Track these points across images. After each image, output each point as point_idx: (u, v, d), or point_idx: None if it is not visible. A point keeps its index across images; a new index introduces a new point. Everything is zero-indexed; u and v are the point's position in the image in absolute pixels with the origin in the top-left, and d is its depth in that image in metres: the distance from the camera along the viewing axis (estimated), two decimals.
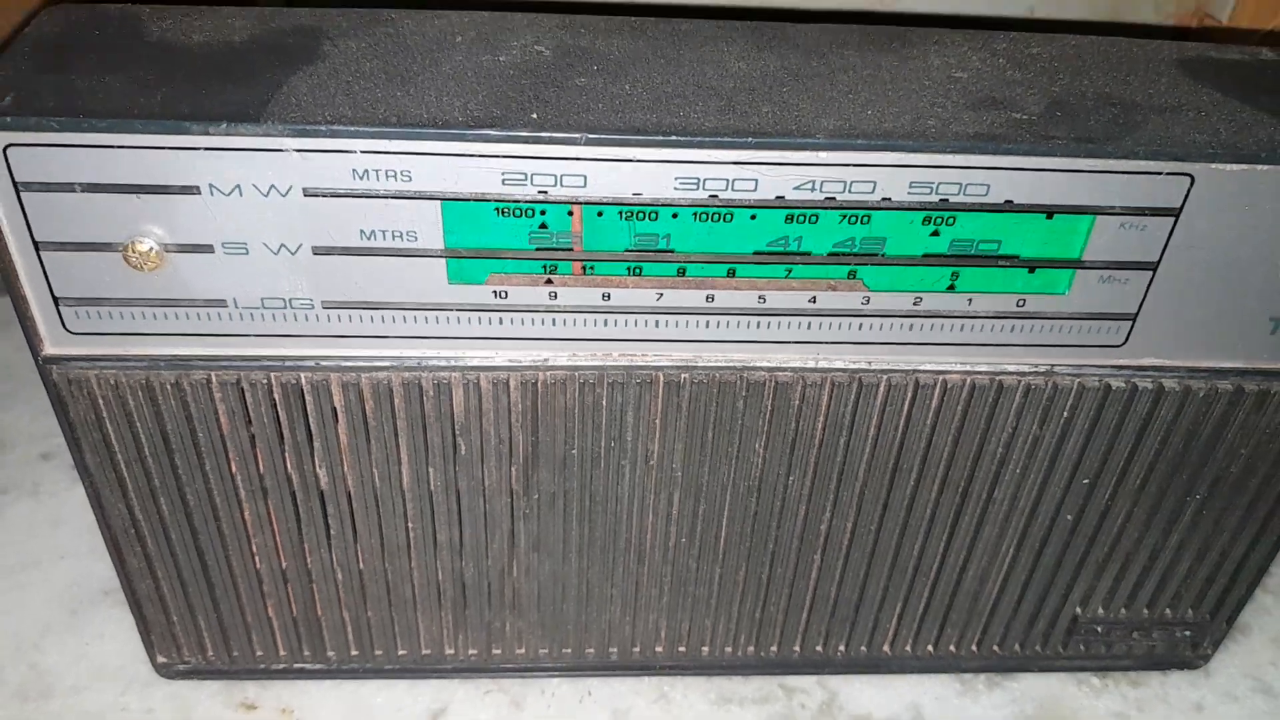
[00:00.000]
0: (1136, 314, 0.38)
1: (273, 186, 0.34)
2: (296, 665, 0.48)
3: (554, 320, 0.38)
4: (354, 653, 0.48)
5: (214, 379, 0.38)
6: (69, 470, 0.60)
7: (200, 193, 0.34)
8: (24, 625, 0.52)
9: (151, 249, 0.35)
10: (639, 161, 0.34)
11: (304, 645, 0.48)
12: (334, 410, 0.39)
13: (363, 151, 0.33)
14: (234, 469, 0.41)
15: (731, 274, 0.37)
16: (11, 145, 0.33)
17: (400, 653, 0.48)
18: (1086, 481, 0.43)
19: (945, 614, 0.48)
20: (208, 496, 0.42)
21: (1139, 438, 0.42)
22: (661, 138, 0.33)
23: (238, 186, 0.34)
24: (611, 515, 0.43)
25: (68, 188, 0.34)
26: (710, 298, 0.37)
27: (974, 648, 0.50)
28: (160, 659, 0.48)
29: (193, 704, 0.49)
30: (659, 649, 0.49)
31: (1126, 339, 0.39)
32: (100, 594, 0.54)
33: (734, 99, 0.35)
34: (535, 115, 0.34)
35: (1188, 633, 0.50)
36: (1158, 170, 0.35)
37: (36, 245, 0.35)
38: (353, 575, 0.45)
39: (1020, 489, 0.43)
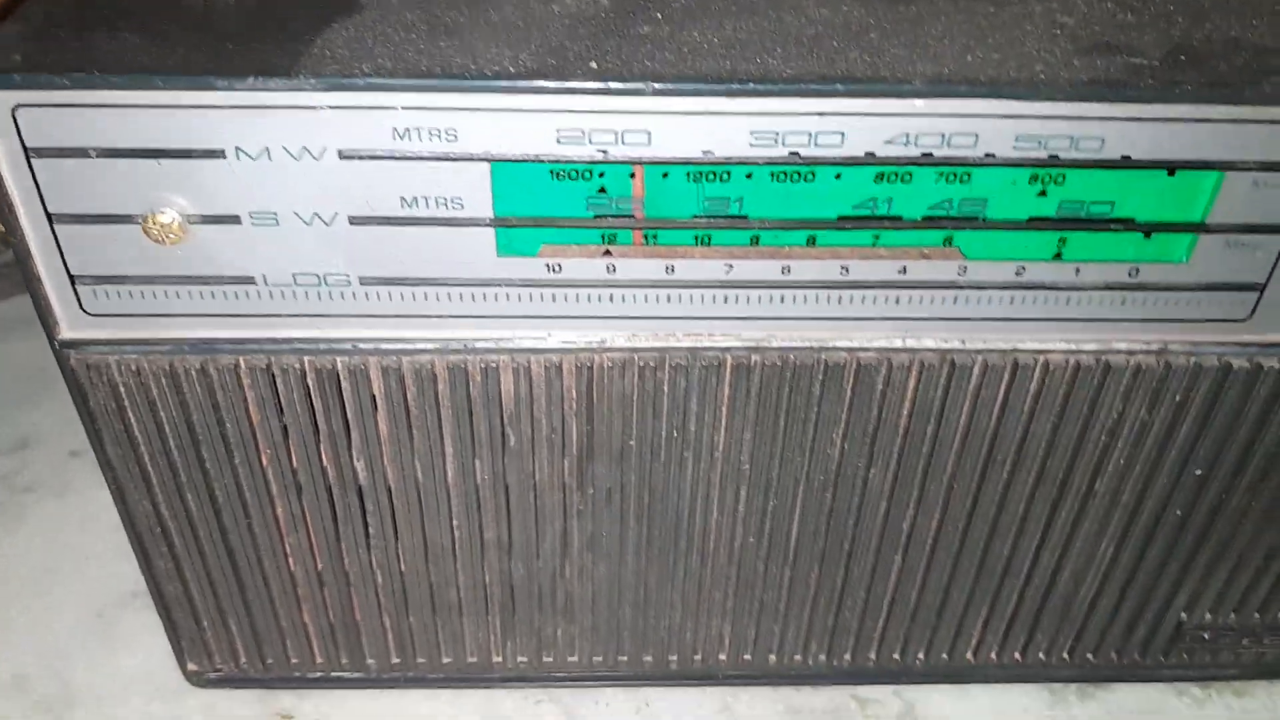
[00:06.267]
0: (1265, 284, 0.34)
1: (305, 149, 0.31)
2: (334, 674, 0.45)
3: (612, 296, 0.34)
4: (395, 661, 0.45)
5: (242, 364, 0.35)
6: (98, 468, 0.58)
7: (225, 157, 0.31)
8: (48, 631, 0.50)
9: (173, 220, 0.32)
10: (710, 114, 0.30)
11: (342, 653, 0.44)
12: (373, 398, 0.36)
13: (403, 108, 0.30)
14: (265, 462, 0.38)
15: (811, 242, 0.33)
16: (21, 106, 0.30)
17: (445, 661, 0.45)
18: (1199, 473, 0.39)
19: (1035, 620, 0.44)
20: (237, 492, 0.38)
21: (1260, 424, 0.38)
22: (738, 85, 0.30)
23: (266, 149, 0.31)
24: (673, 512, 0.40)
25: (82, 153, 0.31)
26: (786, 269, 0.34)
27: (1065, 655, 0.46)
28: (191, 666, 0.45)
29: (225, 714, 0.46)
30: (722, 657, 0.45)
31: (1252, 312, 0.35)
32: (129, 596, 0.51)
33: (817, 45, 0.32)
34: (594, 64, 0.30)
35: None
36: None
37: (50, 218, 0.32)
38: (393, 577, 0.42)
39: (1124, 481, 0.39)
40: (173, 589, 0.42)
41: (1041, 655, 0.46)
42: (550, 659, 0.45)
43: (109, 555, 0.53)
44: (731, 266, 0.34)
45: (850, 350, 0.36)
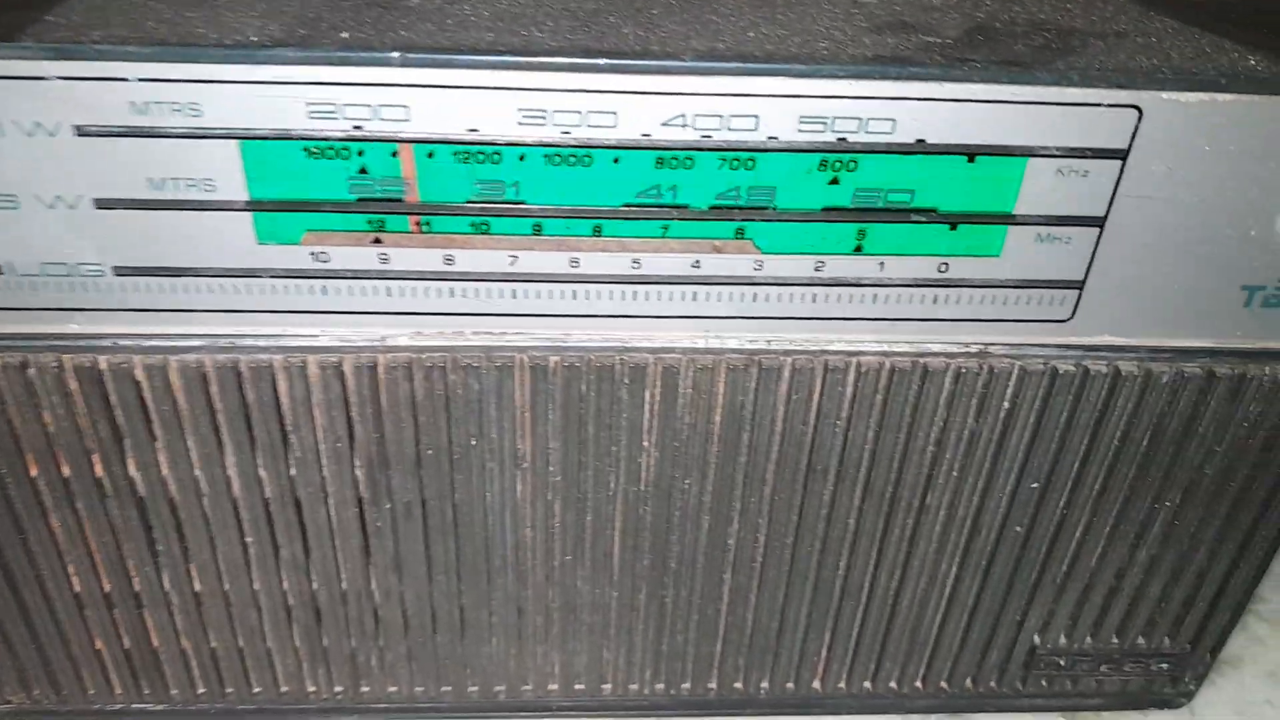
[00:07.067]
0: (1084, 281, 0.32)
1: (37, 123, 0.29)
2: (135, 706, 0.42)
3: (389, 289, 0.32)
4: (201, 691, 0.42)
5: None
6: None
7: None
8: None
9: None
10: (471, 89, 0.28)
11: (142, 682, 0.41)
12: (141, 399, 0.33)
13: (139, 79, 0.28)
14: (33, 471, 0.35)
15: (597, 232, 0.31)
16: None
17: (255, 691, 0.42)
18: (1036, 486, 0.37)
19: (882, 644, 0.42)
20: (5, 504, 0.36)
21: (1094, 433, 0.36)
22: (493, 58, 0.28)
23: None
24: (481, 528, 0.37)
25: None
26: (574, 261, 0.32)
27: (918, 684, 0.43)
28: None
29: None
30: (553, 687, 0.42)
31: (1074, 312, 0.33)
32: None
33: (592, 20, 0.30)
34: (345, 34, 0.28)
35: (1165, 666, 0.43)
36: (1098, 101, 0.29)
37: None
38: (187, 598, 0.39)
39: (958, 495, 0.37)
40: None
41: (893, 684, 0.43)
42: (369, 689, 0.42)
43: None
44: (515, 258, 0.31)
45: (652, 351, 0.33)
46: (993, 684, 0.43)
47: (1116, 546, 0.39)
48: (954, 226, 0.31)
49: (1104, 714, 0.46)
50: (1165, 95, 0.29)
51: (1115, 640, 0.42)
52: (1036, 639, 0.42)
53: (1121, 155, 0.30)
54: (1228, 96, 0.29)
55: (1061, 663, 0.43)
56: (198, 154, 0.29)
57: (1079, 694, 0.44)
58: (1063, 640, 0.42)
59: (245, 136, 0.29)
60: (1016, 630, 0.42)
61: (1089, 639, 0.42)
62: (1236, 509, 0.38)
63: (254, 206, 0.30)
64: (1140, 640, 0.42)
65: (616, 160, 0.30)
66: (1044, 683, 0.43)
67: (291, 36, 0.28)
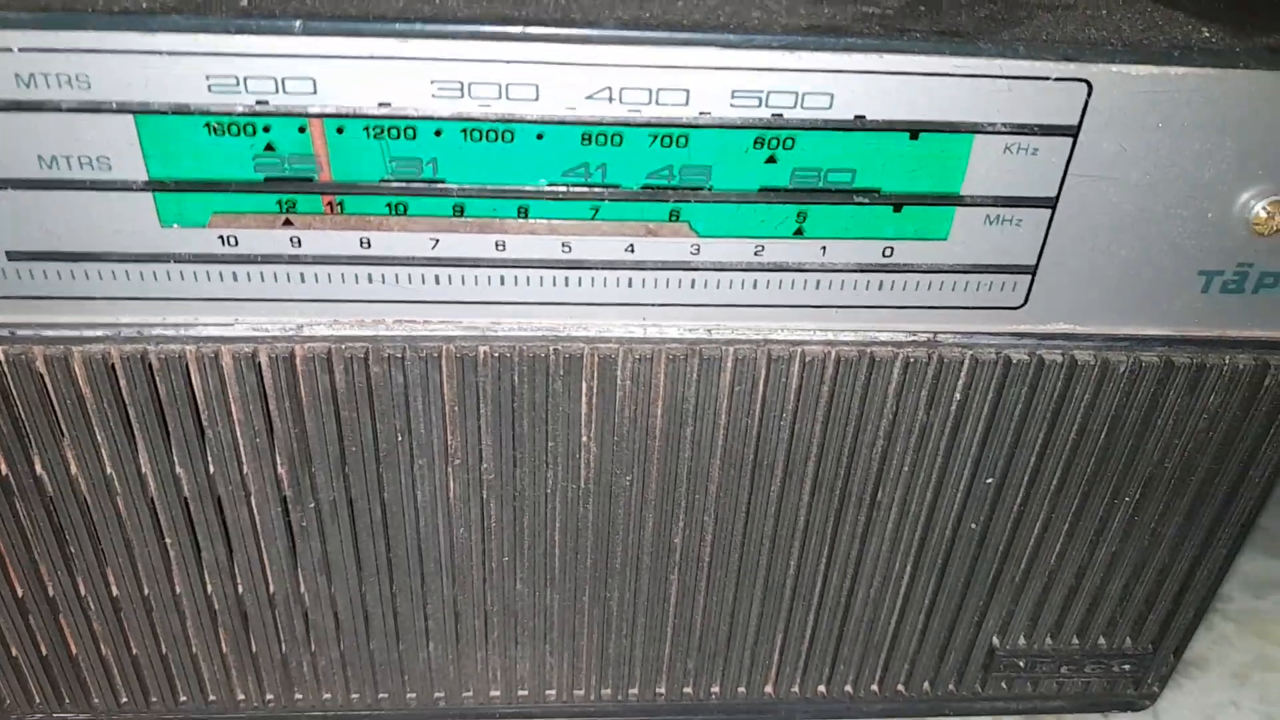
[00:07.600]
0: (1036, 266, 0.31)
1: None
2: (57, 716, 0.40)
3: (303, 275, 0.30)
4: (123, 700, 0.40)
5: None
6: None
7: None
8: None
9: None
10: (382, 59, 0.27)
11: (63, 692, 0.39)
12: (44, 393, 0.32)
13: (22, 49, 0.26)
14: None
15: (523, 214, 0.29)
16: None
17: (181, 700, 0.40)
18: (991, 480, 0.35)
19: (836, 646, 0.40)
20: None
21: (1050, 425, 0.34)
22: (404, 25, 0.26)
23: None
24: (412, 528, 0.35)
25: None
26: (500, 245, 0.30)
27: (874, 688, 0.42)
28: None
29: None
30: (495, 693, 0.41)
31: (1026, 299, 0.32)
32: None
33: None
34: (245, 2, 0.26)
35: (1127, 667, 0.42)
36: (1045, 74, 0.28)
37: None
38: (105, 603, 0.37)
39: (910, 490, 0.36)
40: None
41: (849, 688, 0.42)
42: (302, 696, 0.40)
43: None
44: (437, 241, 0.30)
45: (587, 340, 0.32)
46: (951, 687, 0.42)
47: (1075, 543, 0.38)
48: (898, 208, 0.30)
49: (1065, 717, 0.44)
50: (1115, 68, 0.28)
51: (1076, 641, 0.41)
52: (995, 640, 0.41)
53: (1072, 132, 0.28)
54: (1180, 69, 0.28)
55: (1021, 664, 0.41)
56: (91, 130, 0.27)
57: (1040, 696, 0.43)
58: (1022, 641, 0.41)
59: (141, 111, 0.27)
60: (975, 631, 0.40)
61: (1049, 640, 0.41)
62: (1198, 504, 0.37)
63: (154, 186, 0.28)
64: (1101, 641, 0.41)
65: (540, 136, 0.28)
66: (1004, 685, 0.42)
67: (186, 3, 0.26)
